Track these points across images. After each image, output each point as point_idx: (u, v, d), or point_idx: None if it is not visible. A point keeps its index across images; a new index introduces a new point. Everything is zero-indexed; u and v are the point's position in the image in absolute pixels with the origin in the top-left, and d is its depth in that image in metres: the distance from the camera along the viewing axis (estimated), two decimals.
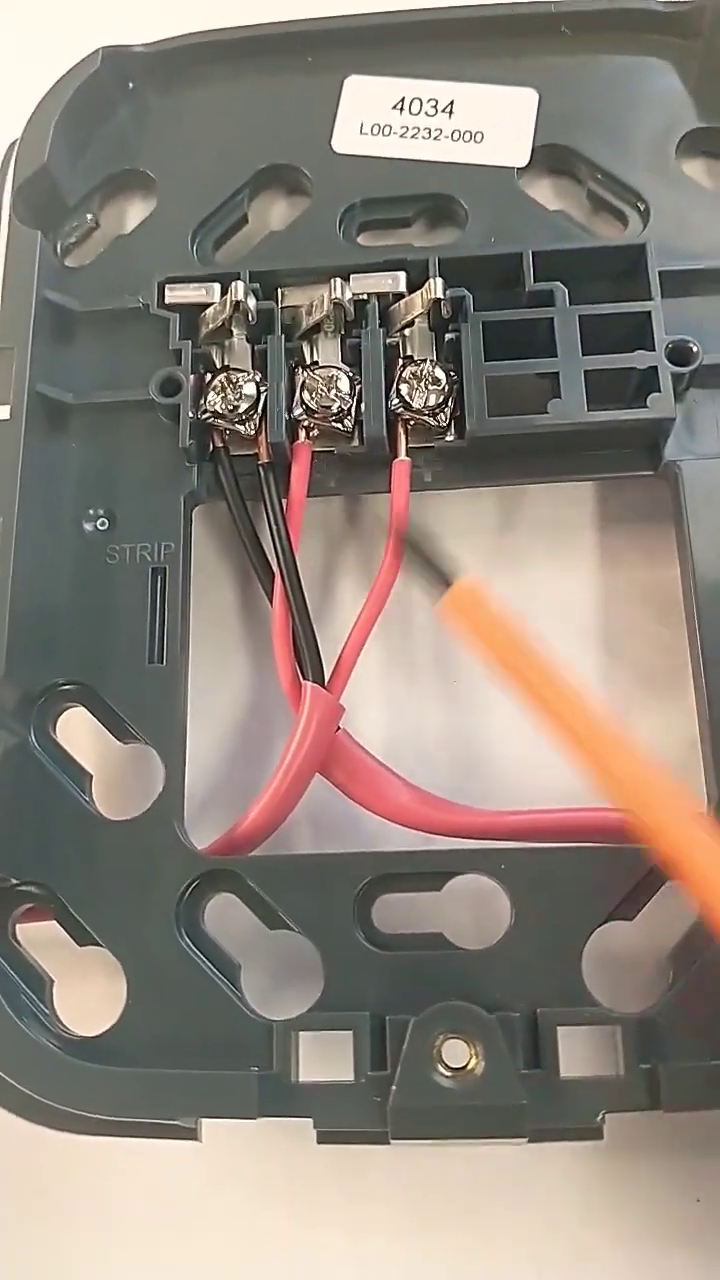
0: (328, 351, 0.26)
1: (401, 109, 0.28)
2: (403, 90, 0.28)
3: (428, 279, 0.26)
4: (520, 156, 0.28)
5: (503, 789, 0.25)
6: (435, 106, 0.28)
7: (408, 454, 0.26)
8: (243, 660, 0.27)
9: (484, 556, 0.27)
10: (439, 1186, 0.24)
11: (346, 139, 0.28)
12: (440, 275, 0.26)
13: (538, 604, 0.26)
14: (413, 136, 0.28)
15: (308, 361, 0.26)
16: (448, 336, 0.26)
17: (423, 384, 0.25)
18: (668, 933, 0.23)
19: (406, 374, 0.25)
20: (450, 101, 0.28)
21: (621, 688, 0.26)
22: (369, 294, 0.26)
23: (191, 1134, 0.22)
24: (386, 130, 0.28)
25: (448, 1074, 0.21)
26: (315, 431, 0.26)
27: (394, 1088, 0.20)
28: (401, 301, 0.26)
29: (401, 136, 0.28)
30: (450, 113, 0.28)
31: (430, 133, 0.28)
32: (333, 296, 0.25)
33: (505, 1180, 0.23)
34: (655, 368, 0.25)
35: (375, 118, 0.28)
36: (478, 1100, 0.20)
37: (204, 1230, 0.24)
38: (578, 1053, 0.21)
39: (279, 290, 0.27)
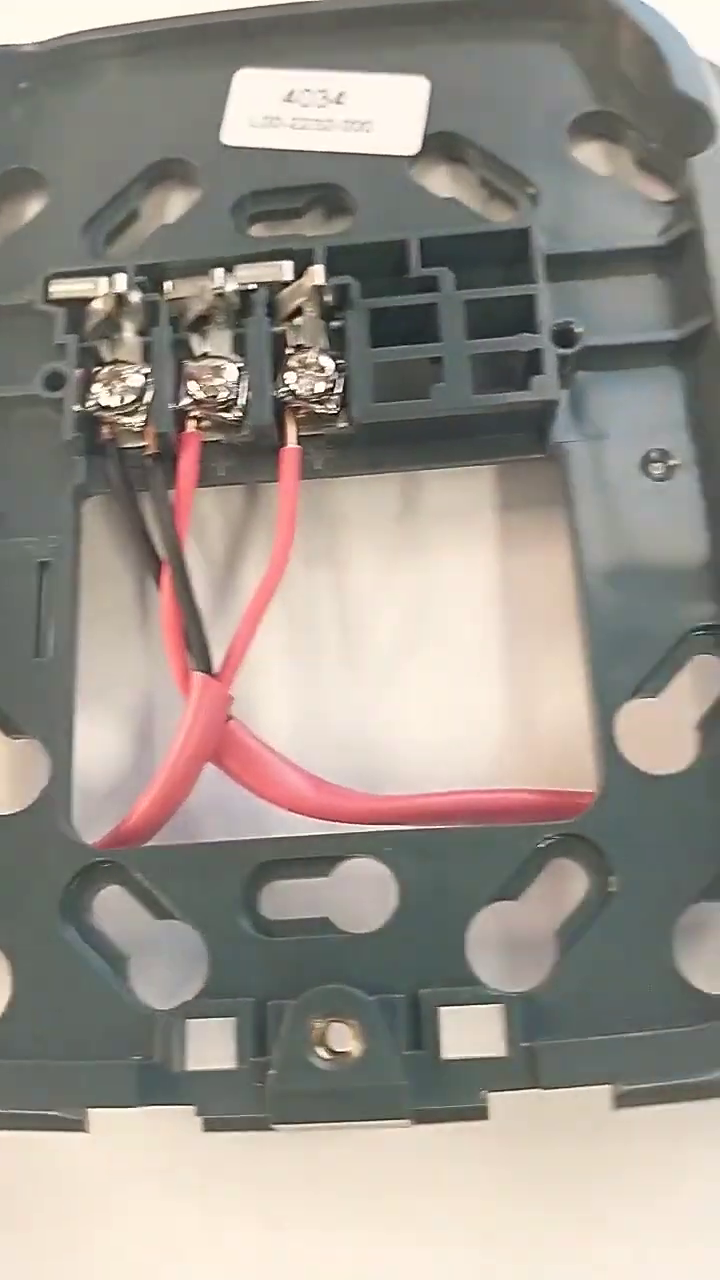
0: (217, 342, 0.27)
1: (292, 100, 0.30)
2: (292, 82, 0.30)
3: (313, 267, 0.27)
4: (411, 145, 0.29)
5: (407, 775, 0.26)
6: (325, 97, 0.30)
7: (299, 442, 0.27)
8: (139, 653, 0.28)
9: (385, 543, 0.28)
10: (351, 1171, 0.24)
11: (237, 132, 0.30)
12: (329, 264, 0.27)
13: (440, 590, 0.28)
14: (303, 128, 0.30)
15: (196, 353, 0.27)
16: (336, 324, 0.27)
17: (309, 371, 0.26)
18: (555, 911, 0.24)
19: (293, 362, 0.27)
20: (340, 92, 0.30)
21: (524, 672, 0.27)
22: (257, 284, 0.27)
23: (78, 1125, 0.23)
24: (276, 122, 0.29)
25: (327, 1057, 0.21)
26: (206, 422, 0.27)
27: (271, 1072, 0.21)
28: (287, 290, 0.27)
29: (292, 128, 0.29)
30: (340, 103, 0.29)
31: (320, 123, 0.29)
32: (214, 287, 0.27)
33: (410, 1164, 0.24)
34: (540, 351, 0.26)
35: (266, 110, 0.30)
36: (356, 1083, 0.21)
37: (105, 1225, 0.24)
38: (465, 1034, 0.22)
39: (170, 283, 0.28)
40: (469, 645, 0.28)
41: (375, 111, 0.29)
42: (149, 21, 0.30)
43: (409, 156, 0.29)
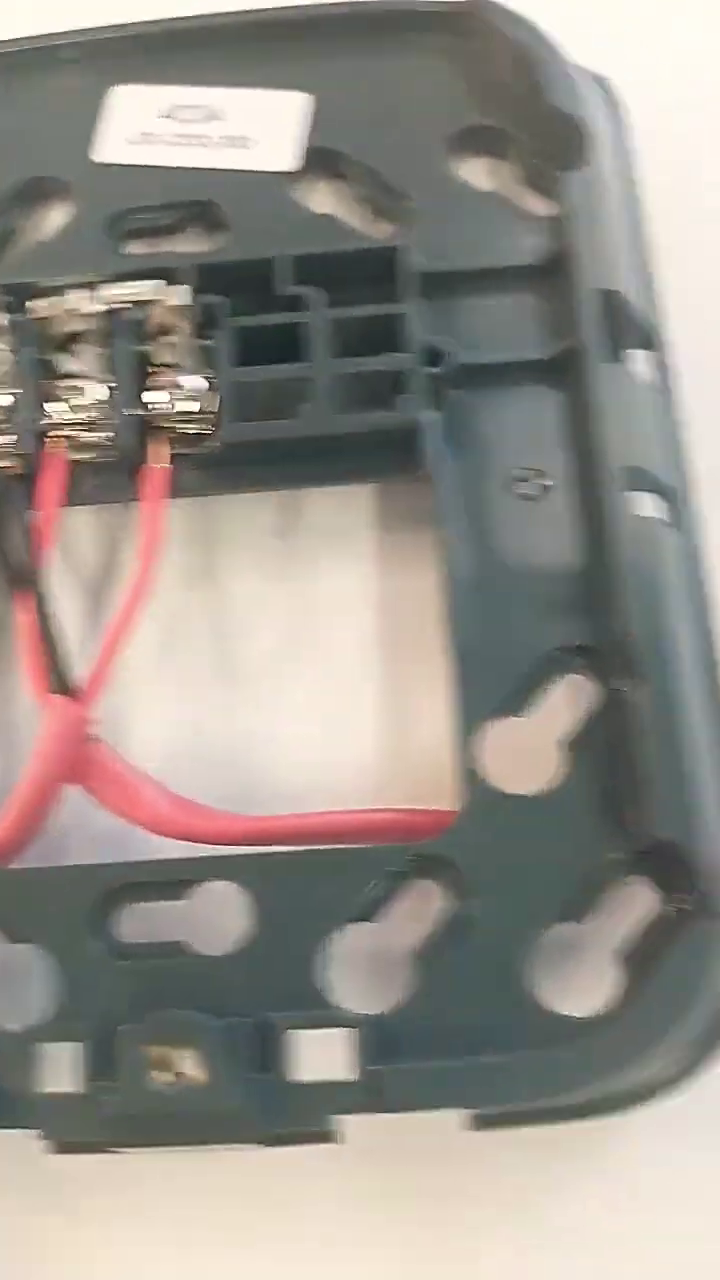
0: (88, 361, 0.28)
1: (170, 117, 0.30)
2: (170, 98, 0.30)
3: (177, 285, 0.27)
4: (289, 161, 0.30)
5: (282, 794, 0.27)
6: (203, 114, 0.30)
7: (171, 460, 0.27)
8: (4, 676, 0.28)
9: (263, 561, 0.29)
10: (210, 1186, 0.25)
11: (112, 149, 0.30)
12: (202, 281, 0.28)
13: (316, 610, 0.29)
14: (181, 144, 0.30)
15: (63, 372, 0.27)
16: (204, 343, 0.27)
17: (180, 391, 0.27)
18: (416, 932, 0.24)
19: (162, 380, 0.27)
20: (219, 108, 0.30)
21: (400, 692, 0.28)
22: (123, 303, 0.27)
23: None
24: (153, 139, 0.30)
25: (168, 1081, 0.22)
26: (73, 441, 0.27)
27: (111, 1096, 0.22)
28: (156, 309, 0.28)
29: (169, 145, 0.30)
30: (219, 119, 0.30)
31: (199, 139, 0.30)
32: (79, 308, 0.27)
33: (263, 1181, 0.25)
34: (406, 370, 0.27)
35: (143, 127, 0.30)
36: (197, 1106, 0.22)
37: None
38: (315, 1057, 0.22)
39: (42, 301, 0.28)
40: (344, 664, 0.28)
41: (254, 128, 0.30)
42: (20, 40, 0.31)
43: (289, 173, 0.30)
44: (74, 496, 0.28)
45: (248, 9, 0.31)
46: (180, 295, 0.27)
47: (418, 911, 0.24)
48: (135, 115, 0.31)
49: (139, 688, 0.28)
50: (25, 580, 0.26)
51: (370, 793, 0.27)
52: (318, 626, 0.29)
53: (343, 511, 0.29)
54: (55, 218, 0.31)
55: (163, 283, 0.28)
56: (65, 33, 0.31)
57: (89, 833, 0.27)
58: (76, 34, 0.31)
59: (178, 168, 0.30)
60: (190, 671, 0.29)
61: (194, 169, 0.30)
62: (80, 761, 0.25)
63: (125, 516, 0.29)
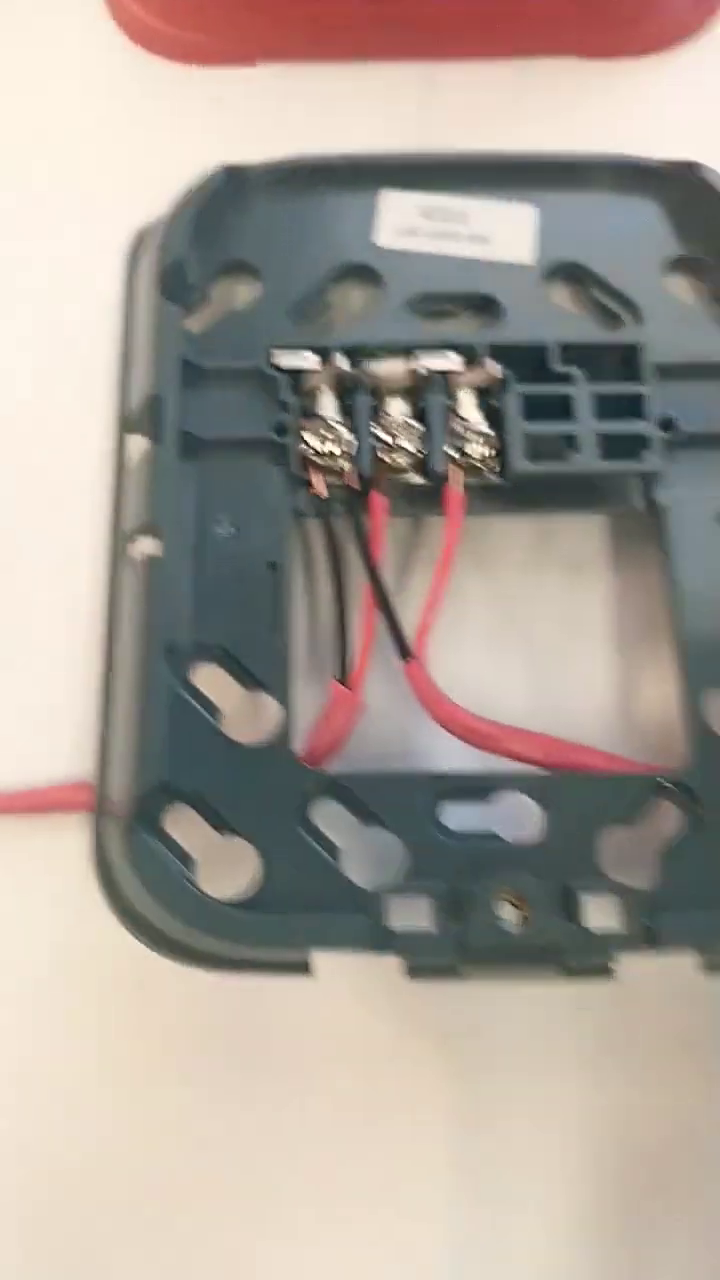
0: (400, 409, 0.36)
1: (427, 217, 0.38)
2: (428, 201, 0.39)
3: (477, 358, 0.35)
4: (525, 256, 0.38)
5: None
6: (451, 215, 0.38)
7: (466, 489, 0.35)
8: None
9: (527, 572, 0.37)
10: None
11: (385, 238, 0.38)
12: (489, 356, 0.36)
13: (574, 608, 0.37)
14: (436, 237, 0.38)
15: (387, 415, 0.35)
16: (492, 403, 0.35)
17: (476, 438, 0.35)
18: (656, 834, 0.32)
19: (460, 429, 0.35)
20: (463, 212, 0.39)
21: (635, 674, 0.36)
22: (436, 370, 0.35)
23: (305, 969, 0.30)
24: (416, 232, 0.38)
25: (509, 923, 0.30)
26: (397, 467, 0.35)
27: (469, 931, 0.29)
28: (461, 376, 0.36)
29: (428, 236, 0.38)
30: (464, 222, 0.39)
31: (450, 236, 0.38)
32: (412, 370, 0.35)
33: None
34: (646, 434, 0.35)
35: (408, 223, 0.38)
36: (526, 940, 0.29)
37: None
38: (601, 916, 0.30)
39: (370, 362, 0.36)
40: (592, 650, 0.36)
41: (494, 229, 0.38)
42: (334, 155, 0.39)
43: (542, 280, 0.38)
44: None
45: (506, 151, 0.40)
46: (494, 370, 0.35)
47: (660, 823, 0.32)
48: (401, 213, 0.38)
49: (441, 651, 0.35)
50: (370, 572, 0.34)
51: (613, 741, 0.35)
52: (566, 618, 0.37)
53: (586, 539, 0.37)
54: (356, 295, 0.39)
55: (458, 355, 0.36)
56: (369, 155, 0.40)
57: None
58: (381, 158, 0.39)
59: (446, 257, 0.38)
60: (475, 639, 0.36)
61: (468, 262, 0.38)
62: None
63: (417, 528, 0.37)
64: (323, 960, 0.30)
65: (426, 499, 0.35)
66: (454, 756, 0.33)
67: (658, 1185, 0.32)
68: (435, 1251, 0.31)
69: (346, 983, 0.32)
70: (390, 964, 0.30)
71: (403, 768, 0.34)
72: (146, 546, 0.34)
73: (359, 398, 0.35)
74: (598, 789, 0.32)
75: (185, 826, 0.32)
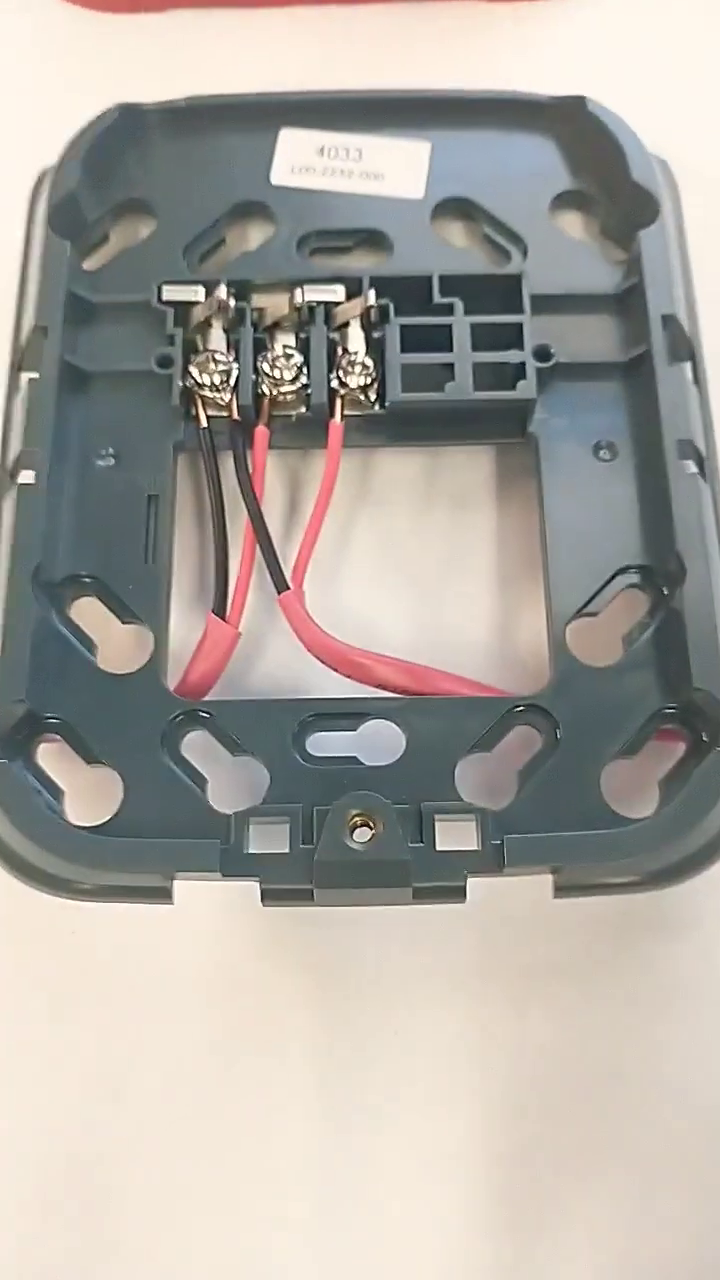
0: (286, 342, 0.35)
1: (322, 154, 0.38)
2: (323, 140, 0.39)
3: (362, 292, 0.35)
4: (418, 191, 0.38)
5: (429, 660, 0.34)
6: (348, 154, 0.38)
7: (343, 419, 0.35)
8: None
9: (414, 505, 0.37)
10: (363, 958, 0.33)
11: (281, 176, 0.38)
12: (372, 289, 0.35)
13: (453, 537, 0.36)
14: (329, 175, 0.38)
15: (272, 348, 0.35)
16: (375, 335, 0.35)
17: (355, 369, 0.35)
18: (518, 758, 0.32)
19: (344, 362, 0.35)
20: (359, 149, 0.38)
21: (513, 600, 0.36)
22: (318, 301, 0.35)
23: (166, 895, 0.31)
24: (310, 170, 0.38)
25: (357, 843, 0.30)
26: (279, 400, 0.35)
27: (317, 850, 0.29)
28: (342, 307, 0.35)
29: (321, 175, 0.38)
30: (359, 159, 0.38)
31: (344, 173, 0.38)
32: (293, 303, 0.35)
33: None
34: (523, 363, 0.35)
35: (303, 161, 0.38)
36: (377, 856, 0.29)
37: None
38: (453, 836, 0.30)
39: (254, 296, 0.36)
40: (471, 577, 0.36)
41: (387, 166, 0.38)
42: (230, 95, 0.39)
43: (432, 215, 0.38)
44: (271, 443, 0.35)
45: (400, 88, 0.39)
46: (370, 298, 0.35)
47: (520, 746, 0.32)
48: (298, 151, 0.38)
49: (325, 584, 0.35)
50: (249, 504, 0.34)
51: (490, 669, 0.35)
52: (451, 550, 0.36)
53: (472, 467, 0.37)
54: (254, 233, 0.39)
55: (343, 288, 0.36)
56: (262, 93, 0.39)
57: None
58: (278, 95, 0.39)
59: (340, 194, 0.38)
60: (359, 571, 0.36)
61: (359, 197, 0.38)
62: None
63: (309, 461, 0.37)
64: (202, 890, 0.30)
65: (312, 431, 0.35)
66: (332, 688, 0.33)
67: (540, 1114, 0.32)
68: (303, 1190, 0.31)
69: (225, 914, 0.33)
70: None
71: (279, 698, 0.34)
72: (25, 478, 0.34)
73: (242, 330, 0.35)
74: (456, 713, 0.32)
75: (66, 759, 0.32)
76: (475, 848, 0.30)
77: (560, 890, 0.31)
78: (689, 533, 0.32)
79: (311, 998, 0.33)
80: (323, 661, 0.33)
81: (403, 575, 0.36)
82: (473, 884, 0.30)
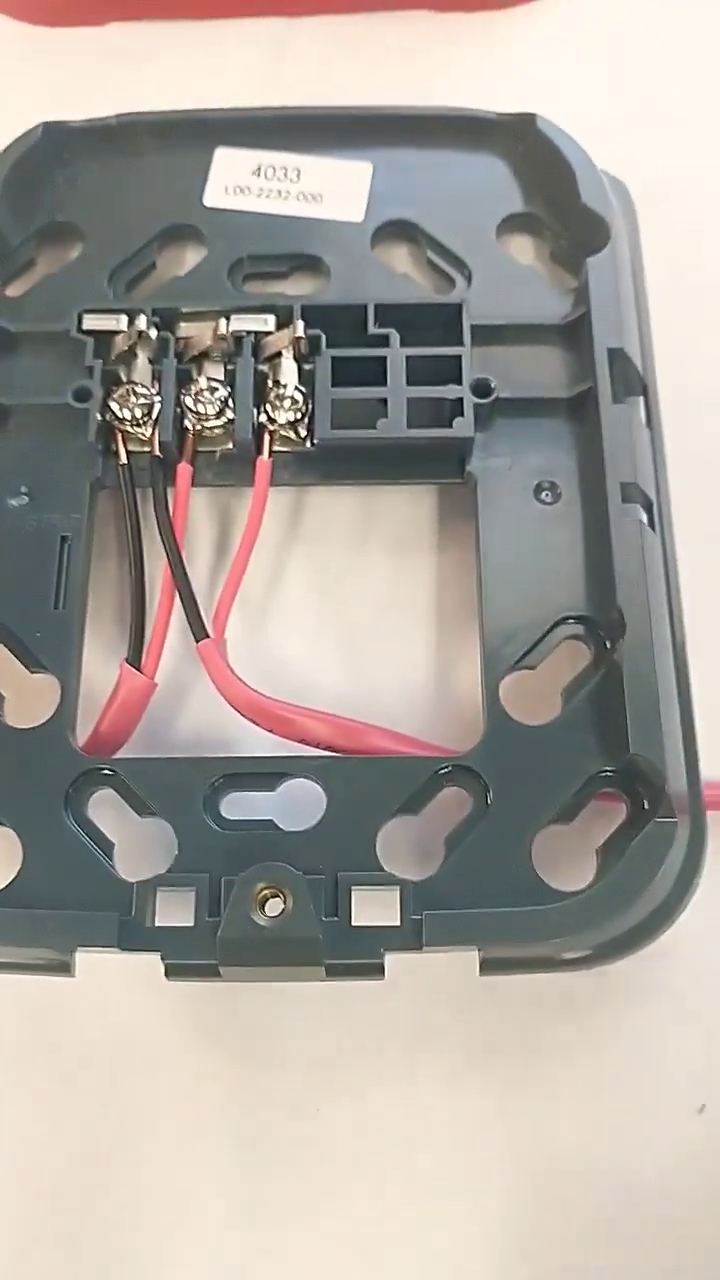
0: (212, 373, 0.33)
1: (258, 175, 0.35)
2: (259, 159, 0.36)
3: (291, 321, 0.33)
4: (357, 214, 0.35)
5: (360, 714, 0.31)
6: (285, 174, 0.35)
7: (271, 455, 0.32)
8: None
9: (350, 547, 0.34)
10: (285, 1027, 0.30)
11: (215, 197, 0.35)
12: (305, 318, 0.33)
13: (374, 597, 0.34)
14: (267, 196, 0.35)
15: (196, 381, 0.32)
16: (307, 367, 0.33)
17: (284, 403, 0.32)
18: (447, 822, 0.29)
19: (272, 395, 0.32)
20: (298, 169, 0.35)
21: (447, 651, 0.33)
22: (245, 331, 0.33)
23: (65, 969, 0.28)
24: (245, 190, 0.35)
25: (264, 916, 0.27)
26: (204, 435, 0.32)
27: (221, 926, 0.27)
28: (271, 337, 0.33)
29: (257, 196, 0.35)
30: (297, 180, 0.35)
31: (281, 194, 0.35)
32: (218, 332, 0.32)
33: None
34: (461, 399, 0.32)
35: (239, 181, 0.35)
36: (284, 934, 0.27)
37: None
38: (371, 909, 0.27)
39: (181, 324, 0.33)
40: (402, 625, 0.33)
41: (326, 187, 0.35)
42: (163, 112, 0.36)
43: (375, 237, 0.35)
44: (197, 480, 0.33)
45: (342, 105, 0.36)
46: (298, 329, 0.32)
47: (450, 809, 0.29)
48: (233, 171, 0.35)
49: (253, 630, 0.33)
50: (167, 546, 0.31)
51: (429, 723, 0.32)
52: (389, 594, 0.34)
53: (413, 507, 0.34)
54: (188, 255, 0.36)
55: (274, 317, 0.33)
56: (195, 110, 0.36)
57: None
58: (203, 111, 0.36)
59: (276, 216, 0.35)
60: (290, 617, 0.33)
61: (294, 219, 0.35)
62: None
63: (236, 498, 0.34)
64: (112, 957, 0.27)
65: (242, 468, 0.33)
66: (259, 744, 0.31)
67: (475, 1202, 0.29)
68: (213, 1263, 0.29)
69: (135, 983, 0.30)
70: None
71: (199, 754, 0.31)
72: None
73: (165, 362, 0.33)
74: (381, 774, 0.29)
75: None
76: (394, 923, 0.27)
77: (487, 967, 0.28)
78: (630, 584, 0.30)
79: (229, 1073, 0.30)
80: (243, 715, 0.30)
81: (337, 622, 0.33)
82: (400, 956, 0.27)
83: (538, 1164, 0.29)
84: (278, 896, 0.27)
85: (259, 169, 0.36)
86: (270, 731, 0.30)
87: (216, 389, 0.32)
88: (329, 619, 0.33)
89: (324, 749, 0.30)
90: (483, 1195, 0.29)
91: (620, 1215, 0.29)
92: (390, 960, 0.27)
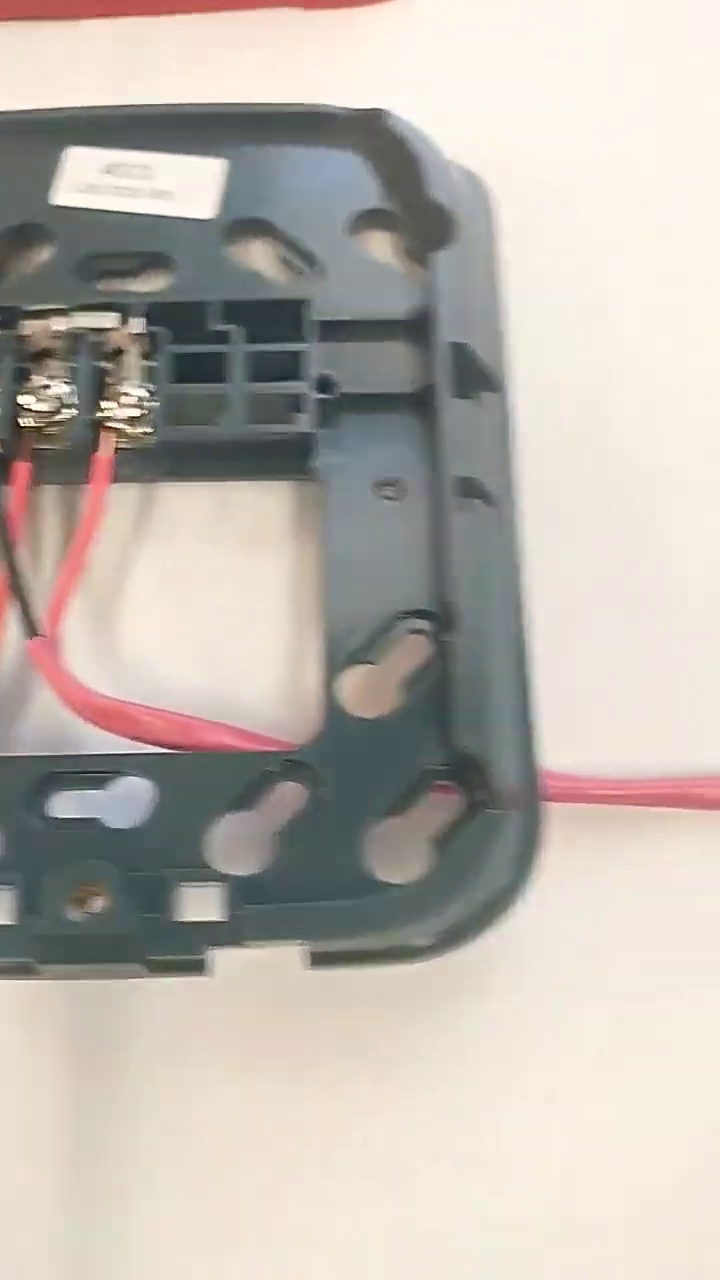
0: (54, 371, 0.32)
1: (110, 173, 0.35)
2: (111, 158, 0.35)
3: (138, 317, 0.32)
4: (208, 211, 0.35)
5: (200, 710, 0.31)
6: (138, 172, 0.35)
7: (115, 452, 0.32)
8: None
9: (202, 544, 0.34)
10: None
11: (67, 196, 0.35)
12: (151, 315, 0.32)
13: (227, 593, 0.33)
14: (118, 194, 0.35)
15: (33, 379, 0.32)
16: (152, 364, 0.32)
17: (124, 400, 0.32)
18: (278, 818, 0.29)
19: (111, 392, 0.32)
20: (149, 167, 0.35)
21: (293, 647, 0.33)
22: (86, 328, 0.32)
23: None
24: (97, 189, 0.35)
25: (83, 914, 0.26)
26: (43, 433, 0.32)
27: (35, 924, 0.26)
28: (114, 334, 0.32)
29: (111, 194, 0.35)
30: (149, 177, 0.35)
31: (133, 191, 0.35)
32: (56, 330, 0.32)
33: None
34: (302, 395, 0.32)
35: (90, 180, 0.35)
36: (98, 930, 0.26)
37: None
38: (197, 906, 0.27)
39: (23, 323, 0.33)
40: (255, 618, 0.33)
41: (177, 185, 0.35)
42: (12, 111, 0.36)
43: (227, 233, 0.35)
44: (39, 478, 0.32)
45: (195, 103, 0.36)
46: (137, 327, 0.32)
47: (283, 803, 0.29)
48: (85, 170, 0.35)
49: (100, 628, 0.33)
50: (2, 542, 0.31)
51: (280, 720, 0.31)
52: (241, 591, 0.33)
53: (266, 503, 0.34)
54: (37, 256, 0.36)
55: (117, 314, 0.33)
56: (47, 109, 0.36)
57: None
58: (52, 111, 0.36)
59: (124, 213, 0.35)
60: (139, 615, 0.33)
61: (144, 217, 0.34)
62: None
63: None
64: None
65: (84, 466, 0.32)
66: (102, 743, 0.30)
67: (314, 1197, 0.29)
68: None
69: None
70: None
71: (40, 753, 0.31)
72: None
73: (5, 360, 0.32)
74: (212, 769, 0.29)
75: None
76: (218, 919, 0.27)
77: (316, 960, 0.28)
78: (463, 577, 0.29)
79: (63, 1071, 0.29)
80: (76, 713, 0.30)
81: (188, 619, 0.33)
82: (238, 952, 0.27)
83: (385, 1157, 0.29)
84: (100, 894, 0.27)
85: (110, 168, 0.35)
86: (106, 729, 0.30)
87: (50, 386, 0.32)
88: (179, 616, 0.33)
89: (162, 746, 0.30)
90: (326, 1191, 0.28)
91: (469, 1206, 0.28)
92: (223, 957, 0.27)
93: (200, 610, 0.33)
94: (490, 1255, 0.28)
